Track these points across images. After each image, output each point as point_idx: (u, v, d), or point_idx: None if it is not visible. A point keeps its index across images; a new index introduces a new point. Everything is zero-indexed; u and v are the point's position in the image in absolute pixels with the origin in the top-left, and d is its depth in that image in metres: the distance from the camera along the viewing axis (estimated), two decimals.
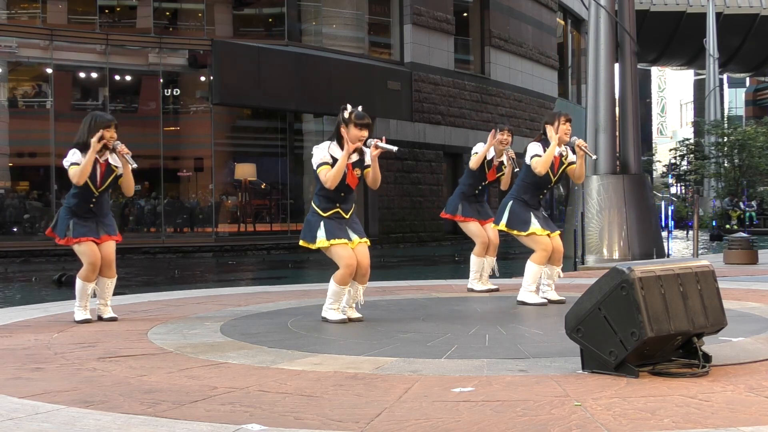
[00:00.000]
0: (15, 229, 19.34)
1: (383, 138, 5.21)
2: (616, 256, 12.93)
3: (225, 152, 22.19)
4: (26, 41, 19.52)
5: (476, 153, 6.99)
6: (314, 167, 5.14)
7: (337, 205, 5.20)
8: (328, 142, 5.17)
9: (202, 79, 21.21)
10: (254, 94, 19.64)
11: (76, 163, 5.28)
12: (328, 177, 5.05)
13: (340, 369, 3.64)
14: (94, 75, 20.48)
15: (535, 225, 6.10)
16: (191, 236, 21.05)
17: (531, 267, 6.13)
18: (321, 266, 14.83)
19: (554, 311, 5.53)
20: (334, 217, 5.20)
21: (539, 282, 6.21)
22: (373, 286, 6.73)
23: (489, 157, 6.98)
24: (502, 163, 7.00)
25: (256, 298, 6.86)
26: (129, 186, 5.56)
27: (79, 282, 5.49)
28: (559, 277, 6.37)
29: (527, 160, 6.11)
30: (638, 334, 3.25)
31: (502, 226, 6.21)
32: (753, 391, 3.07)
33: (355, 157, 5.15)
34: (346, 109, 5.11)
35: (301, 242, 5.38)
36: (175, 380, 3.47)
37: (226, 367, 3.75)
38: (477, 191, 7.11)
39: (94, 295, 5.58)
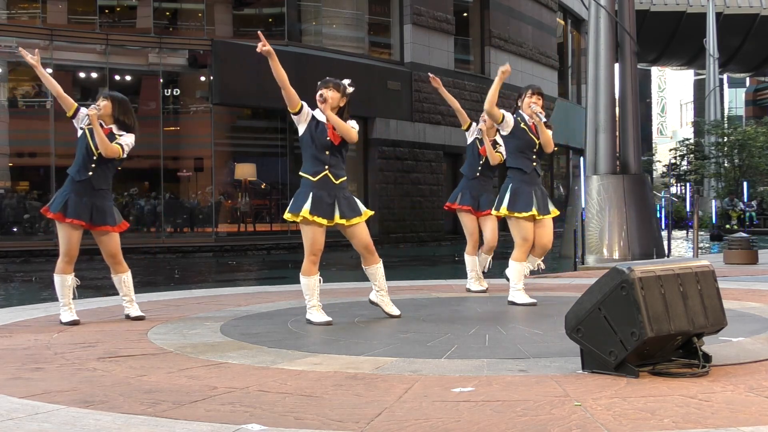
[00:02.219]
0: (15, 229, 19.33)
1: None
2: (616, 256, 12.93)
3: (225, 152, 22.19)
4: (26, 41, 19.49)
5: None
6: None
7: (326, 167, 5.16)
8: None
9: (202, 79, 21.21)
10: (254, 94, 19.63)
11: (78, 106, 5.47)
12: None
13: (340, 369, 3.64)
14: (94, 75, 20.48)
15: (533, 206, 6.06)
16: (191, 236, 21.04)
17: (513, 266, 6.13)
18: (321, 266, 14.81)
19: (554, 311, 5.53)
20: (323, 184, 5.13)
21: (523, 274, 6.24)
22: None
23: (479, 136, 7.10)
24: (495, 141, 7.06)
25: (256, 298, 6.86)
26: (100, 144, 5.31)
27: (55, 277, 5.43)
28: (539, 269, 6.35)
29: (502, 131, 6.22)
30: (638, 334, 3.25)
31: (504, 210, 6.09)
32: (753, 391, 3.07)
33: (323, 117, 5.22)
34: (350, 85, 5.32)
35: (287, 215, 5.20)
36: (175, 380, 3.46)
37: (226, 367, 3.75)
38: (478, 172, 7.12)
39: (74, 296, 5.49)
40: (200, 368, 3.74)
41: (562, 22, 32.61)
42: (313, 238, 5.13)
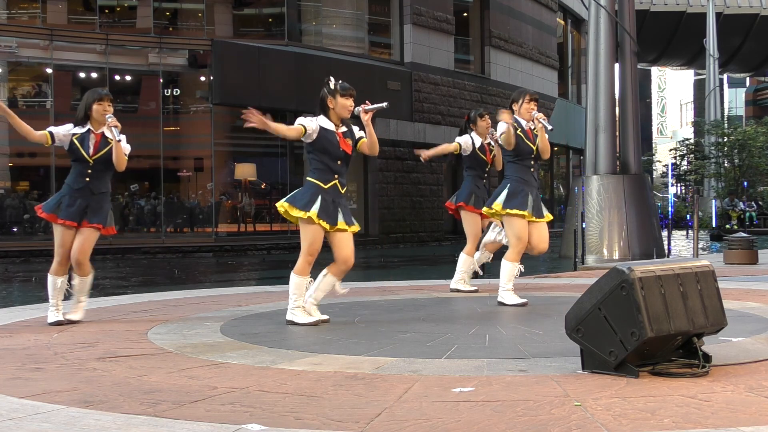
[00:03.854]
0: (15, 229, 19.34)
1: (366, 102, 5.25)
2: (616, 256, 12.93)
3: (225, 152, 22.20)
4: (26, 41, 19.52)
5: (459, 142, 7.10)
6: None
7: (336, 177, 5.18)
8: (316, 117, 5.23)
9: (202, 79, 21.22)
10: (254, 94, 19.64)
11: (51, 132, 5.41)
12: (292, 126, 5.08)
13: (340, 369, 3.64)
14: (94, 75, 20.48)
15: (528, 207, 6.05)
16: (191, 236, 21.05)
17: (506, 265, 6.10)
18: (321, 266, 14.83)
19: (554, 311, 5.53)
20: (332, 192, 5.16)
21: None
22: (373, 286, 6.73)
23: (478, 144, 7.07)
24: (490, 143, 7.08)
25: (256, 298, 6.86)
26: (118, 160, 5.34)
27: (48, 277, 5.40)
28: (519, 273, 6.30)
29: (498, 139, 6.21)
30: (638, 334, 3.25)
31: (498, 206, 6.05)
32: (753, 391, 3.07)
33: (343, 129, 5.23)
34: (330, 81, 5.21)
35: (284, 206, 5.13)
36: (175, 380, 3.46)
37: (226, 367, 3.75)
38: (484, 179, 7.17)
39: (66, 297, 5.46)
40: (200, 368, 3.74)
41: (562, 22, 32.62)
42: (313, 238, 5.12)
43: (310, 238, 5.12)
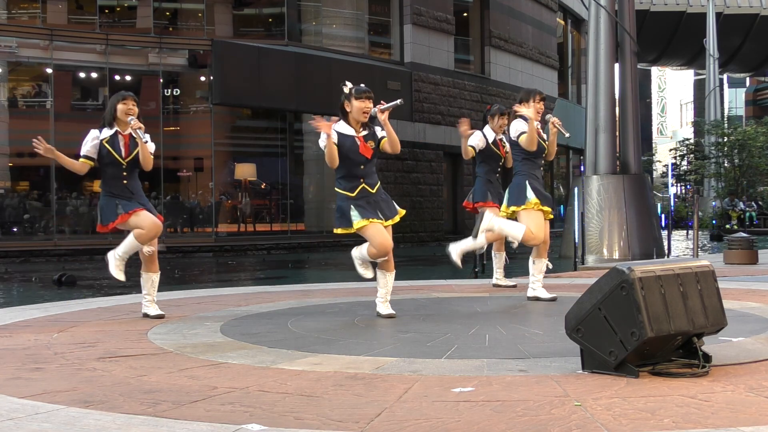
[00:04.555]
0: (15, 229, 19.33)
1: (381, 102, 5.28)
2: (616, 256, 12.93)
3: (225, 152, 22.19)
4: (26, 41, 19.51)
5: (472, 146, 7.24)
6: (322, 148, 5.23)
7: (362, 180, 5.24)
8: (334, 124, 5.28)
9: (202, 79, 21.21)
10: (254, 94, 19.64)
11: (86, 156, 5.45)
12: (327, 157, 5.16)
13: (340, 369, 3.64)
14: (94, 75, 20.47)
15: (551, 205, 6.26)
16: (191, 236, 21.03)
17: (510, 226, 6.21)
18: (321, 266, 14.84)
19: (554, 311, 5.52)
20: (362, 196, 5.23)
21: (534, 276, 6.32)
22: (373, 286, 6.73)
23: (491, 139, 7.24)
24: (502, 139, 7.27)
25: (256, 298, 6.86)
26: (145, 161, 5.48)
27: (131, 239, 5.51)
28: (548, 268, 6.41)
29: (514, 137, 6.24)
30: (638, 334, 3.25)
31: (534, 203, 6.10)
32: (753, 391, 3.07)
33: (364, 132, 5.27)
34: (346, 85, 5.27)
35: (337, 230, 5.33)
36: (175, 380, 3.46)
37: (226, 367, 3.75)
38: (498, 173, 7.32)
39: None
40: (200, 368, 3.74)
41: (562, 22, 32.61)
42: (375, 232, 5.20)
43: (372, 235, 5.22)
